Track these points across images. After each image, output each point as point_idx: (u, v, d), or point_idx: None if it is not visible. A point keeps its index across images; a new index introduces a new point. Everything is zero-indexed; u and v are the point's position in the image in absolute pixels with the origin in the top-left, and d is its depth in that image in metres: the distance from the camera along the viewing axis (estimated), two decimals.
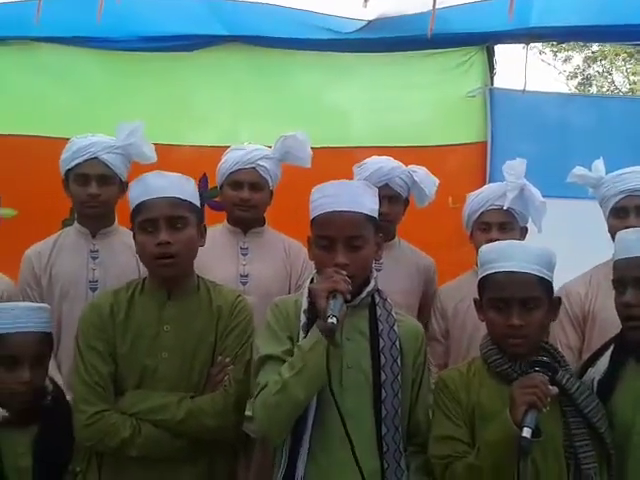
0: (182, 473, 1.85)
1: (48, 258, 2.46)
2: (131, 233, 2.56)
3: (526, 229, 2.61)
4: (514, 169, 2.58)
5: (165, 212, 1.85)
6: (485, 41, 3.61)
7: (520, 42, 3.60)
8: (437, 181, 2.78)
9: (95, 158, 2.45)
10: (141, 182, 1.93)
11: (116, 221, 2.61)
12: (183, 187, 1.93)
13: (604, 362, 1.83)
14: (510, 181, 2.55)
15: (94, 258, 2.47)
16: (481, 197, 2.55)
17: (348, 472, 1.54)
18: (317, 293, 1.58)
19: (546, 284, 1.77)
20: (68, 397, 2.00)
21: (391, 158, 2.73)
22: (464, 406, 1.77)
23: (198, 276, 2.00)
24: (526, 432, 1.50)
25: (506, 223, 2.50)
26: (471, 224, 2.59)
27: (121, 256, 2.48)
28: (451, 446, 1.73)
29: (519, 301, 1.71)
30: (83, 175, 2.46)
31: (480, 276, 1.83)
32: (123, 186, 2.55)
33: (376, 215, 1.77)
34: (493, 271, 1.77)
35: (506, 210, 2.50)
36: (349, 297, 1.58)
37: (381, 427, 1.67)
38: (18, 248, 2.59)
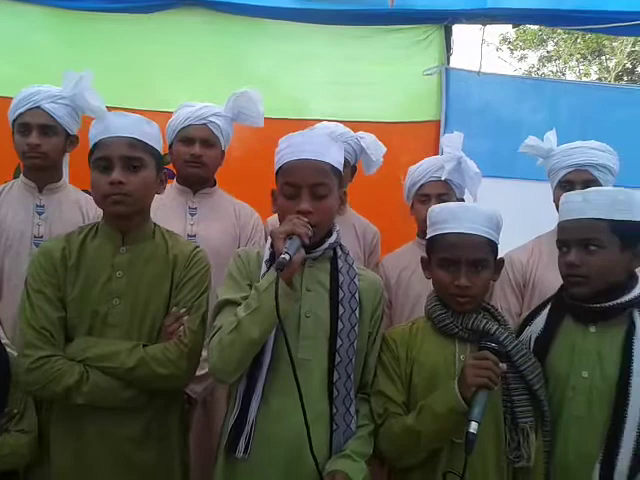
0: (129, 423, 1.80)
1: None
2: (78, 190, 2.55)
3: (463, 200, 2.66)
4: (452, 141, 2.65)
5: (121, 151, 1.79)
6: (443, 20, 3.64)
7: (477, 23, 3.64)
8: (385, 149, 2.80)
9: (38, 107, 2.37)
10: (101, 120, 1.87)
11: (64, 177, 2.54)
12: (143, 129, 1.85)
13: (541, 320, 1.88)
14: (447, 153, 2.61)
15: (40, 213, 2.40)
16: (420, 169, 2.60)
17: (298, 416, 1.55)
18: (275, 236, 1.59)
19: (493, 246, 1.81)
20: (12, 352, 1.94)
21: (340, 124, 2.73)
22: (403, 362, 1.81)
23: (155, 224, 1.96)
24: (473, 427, 1.52)
25: (444, 194, 2.56)
26: (411, 196, 2.64)
27: (67, 213, 2.42)
28: (385, 403, 1.77)
29: (468, 262, 1.75)
30: (25, 124, 2.38)
31: (430, 235, 1.86)
32: (72, 140, 2.49)
33: (341, 168, 1.77)
34: (444, 232, 1.80)
35: (444, 181, 2.56)
36: (307, 241, 1.58)
37: (333, 373, 1.68)
38: None
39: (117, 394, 1.76)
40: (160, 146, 1.93)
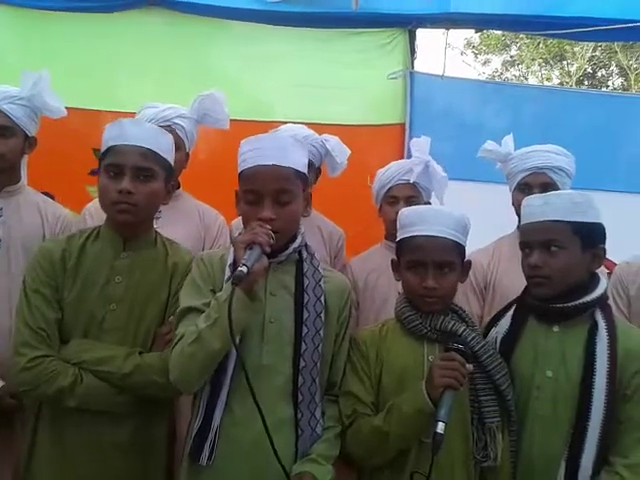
0: (116, 430, 1.78)
1: None
2: (37, 192, 2.49)
3: (430, 204, 2.69)
4: (419, 146, 2.68)
5: (133, 161, 1.79)
6: (407, 24, 3.67)
7: (440, 27, 3.69)
8: (349, 151, 2.79)
9: None
10: (117, 126, 1.85)
11: (23, 179, 2.48)
12: (158, 139, 1.86)
13: (506, 321, 1.90)
14: (416, 156, 2.64)
15: None
16: (389, 172, 2.62)
17: (261, 422, 1.52)
18: (236, 245, 1.57)
19: (460, 249, 1.83)
20: None
21: (305, 126, 2.72)
22: (372, 363, 1.81)
23: (156, 232, 1.95)
24: (440, 428, 1.53)
25: (412, 197, 2.58)
26: (380, 198, 2.66)
27: (26, 216, 2.36)
28: (353, 404, 1.77)
29: (435, 264, 1.77)
30: None
31: (399, 238, 1.88)
32: (30, 141, 2.42)
33: (305, 170, 1.74)
34: (412, 234, 1.81)
35: (412, 184, 2.58)
36: (268, 250, 1.55)
37: (298, 378, 1.67)
38: None
39: (110, 398, 1.75)
40: (172, 157, 1.94)
